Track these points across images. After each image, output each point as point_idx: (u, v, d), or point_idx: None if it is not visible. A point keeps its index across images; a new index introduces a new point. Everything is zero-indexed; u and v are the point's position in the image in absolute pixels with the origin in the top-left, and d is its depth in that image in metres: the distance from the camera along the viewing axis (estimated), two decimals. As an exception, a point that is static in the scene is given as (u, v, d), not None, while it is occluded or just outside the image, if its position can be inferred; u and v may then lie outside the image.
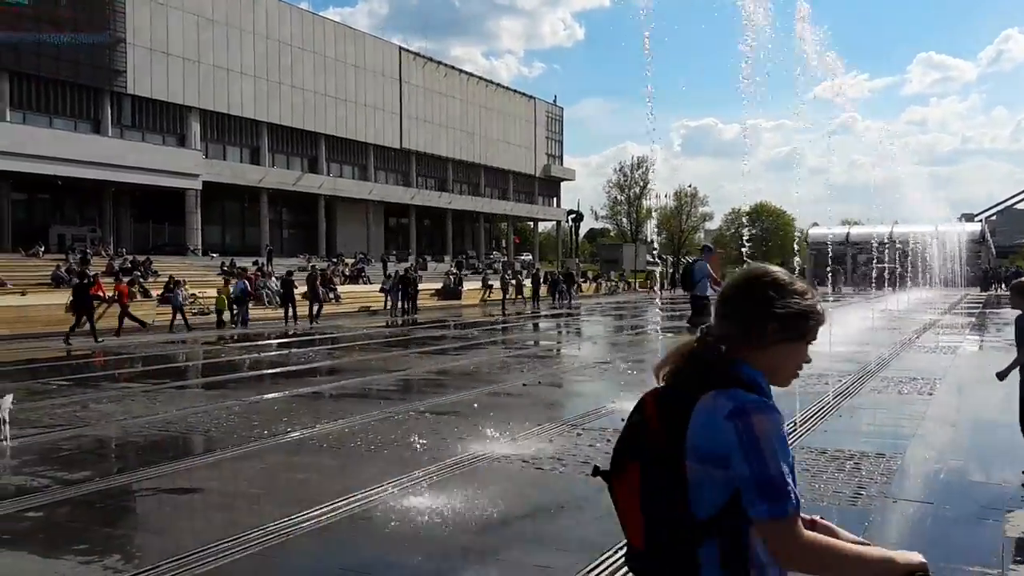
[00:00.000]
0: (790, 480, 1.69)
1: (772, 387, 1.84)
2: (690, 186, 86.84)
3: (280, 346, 20.32)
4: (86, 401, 10.93)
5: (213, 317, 26.09)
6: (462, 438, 8.12)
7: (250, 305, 27.56)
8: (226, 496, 6.51)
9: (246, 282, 27.38)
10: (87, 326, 20.06)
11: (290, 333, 24.05)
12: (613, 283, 59.53)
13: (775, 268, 1.92)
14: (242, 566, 4.74)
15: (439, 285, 42.52)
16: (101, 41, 40.24)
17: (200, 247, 44.84)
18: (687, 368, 1.88)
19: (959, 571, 4.45)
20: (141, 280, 31.60)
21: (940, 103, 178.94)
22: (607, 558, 4.74)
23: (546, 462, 7.09)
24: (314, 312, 27.73)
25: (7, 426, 8.14)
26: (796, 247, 50.45)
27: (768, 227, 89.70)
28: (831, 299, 35.25)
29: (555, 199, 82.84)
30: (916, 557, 1.75)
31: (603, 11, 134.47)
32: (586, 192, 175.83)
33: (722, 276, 26.39)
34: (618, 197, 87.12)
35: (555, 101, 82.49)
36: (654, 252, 66.12)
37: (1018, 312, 6.89)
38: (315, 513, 5.57)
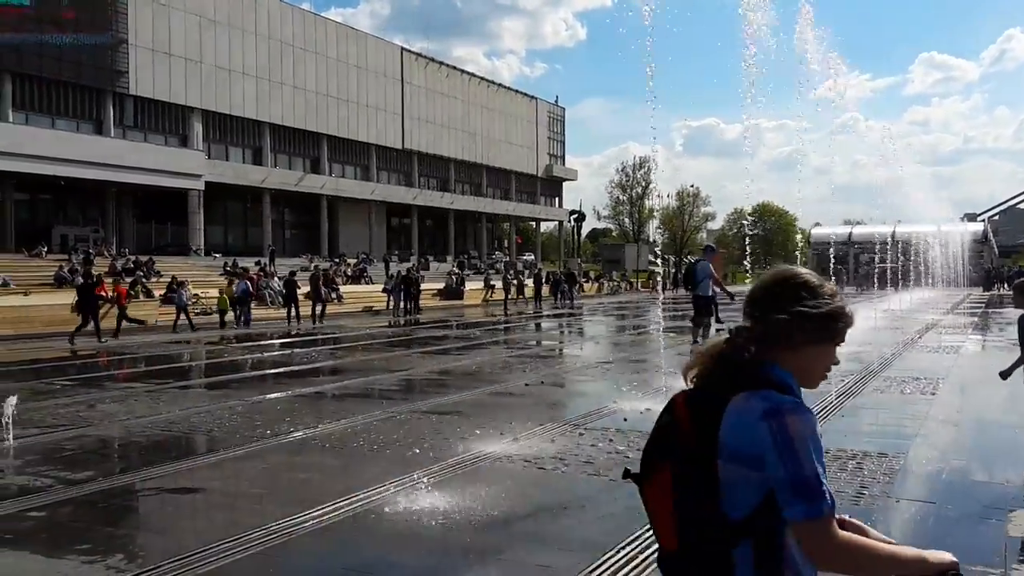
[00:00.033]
0: (825, 480, 1.69)
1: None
2: (692, 186, 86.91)
3: (283, 346, 20.34)
4: (89, 401, 10.94)
5: (215, 317, 26.10)
6: (464, 438, 8.12)
7: (253, 305, 27.59)
8: (228, 496, 6.51)
9: (248, 282, 27.41)
10: (92, 326, 20.08)
11: (293, 333, 24.08)
12: (615, 283, 59.53)
13: (804, 270, 1.92)
14: (244, 566, 4.74)
15: (441, 285, 42.57)
16: (103, 42, 40.30)
17: (202, 247, 44.89)
18: (717, 369, 1.87)
19: (962, 571, 4.44)
20: (144, 280, 31.67)
21: (942, 103, 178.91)
22: (609, 558, 4.74)
23: (548, 462, 7.08)
24: (317, 312, 27.79)
25: (10, 426, 8.15)
26: (799, 247, 50.43)
27: (770, 227, 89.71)
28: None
29: (557, 199, 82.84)
30: (947, 557, 1.77)
31: (605, 11, 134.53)
32: (588, 192, 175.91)
33: (723, 276, 26.44)
34: (620, 197, 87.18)
35: (557, 101, 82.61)
36: (656, 252, 66.08)
37: (1021, 312, 6.88)
38: (317, 513, 5.58)
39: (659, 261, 53.92)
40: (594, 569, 4.60)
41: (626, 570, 4.60)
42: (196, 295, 27.91)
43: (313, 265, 37.41)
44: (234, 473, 7.11)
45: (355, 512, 5.69)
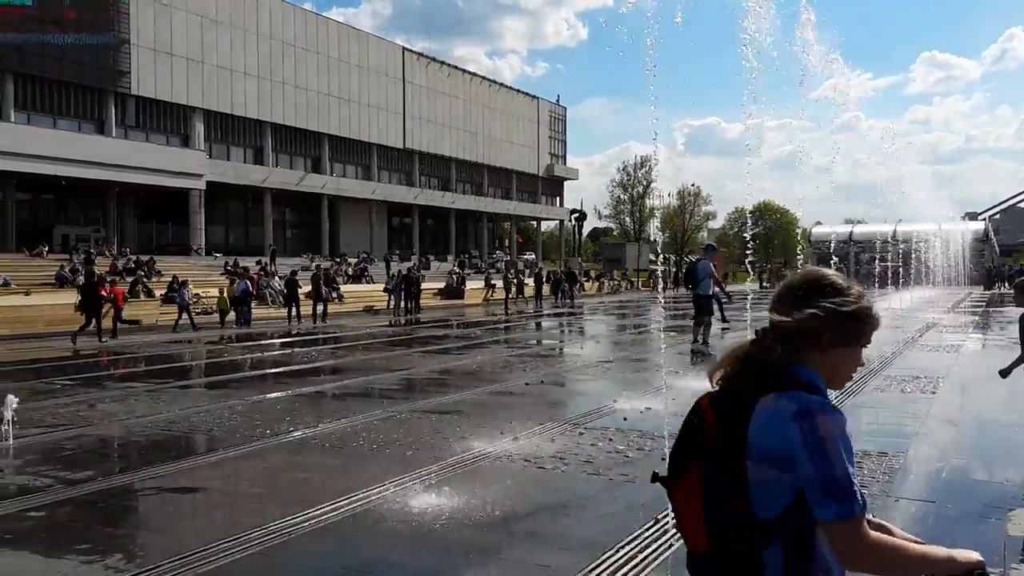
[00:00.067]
0: (856, 480, 1.70)
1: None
2: (693, 185, 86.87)
3: (283, 345, 20.36)
4: (89, 401, 10.94)
5: (216, 317, 26.12)
6: (464, 437, 8.12)
7: (253, 305, 27.60)
8: (228, 496, 6.51)
9: (248, 282, 27.39)
10: (93, 326, 20.09)
11: (293, 332, 24.09)
12: (616, 282, 59.53)
13: (832, 271, 1.93)
14: (244, 566, 4.74)
15: (442, 285, 42.57)
16: (105, 42, 40.30)
17: (203, 247, 44.90)
18: (743, 370, 1.87)
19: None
20: (145, 280, 31.68)
21: (944, 102, 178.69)
22: (609, 557, 4.74)
23: (548, 461, 7.08)
24: (319, 312, 27.83)
25: (11, 426, 8.16)
26: (799, 246, 50.39)
27: (771, 226, 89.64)
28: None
29: (558, 199, 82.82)
30: (975, 556, 1.76)
31: (606, 11, 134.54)
32: (589, 192, 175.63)
33: (724, 275, 26.46)
34: (621, 196, 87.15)
35: (558, 101, 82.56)
36: (657, 251, 66.07)
37: (1022, 310, 6.87)
38: (317, 512, 5.58)
39: (660, 260, 53.91)
40: (594, 568, 4.60)
41: (626, 569, 4.60)
42: (197, 295, 27.94)
43: (315, 265, 37.41)
44: (234, 473, 7.11)
45: (355, 512, 5.69)
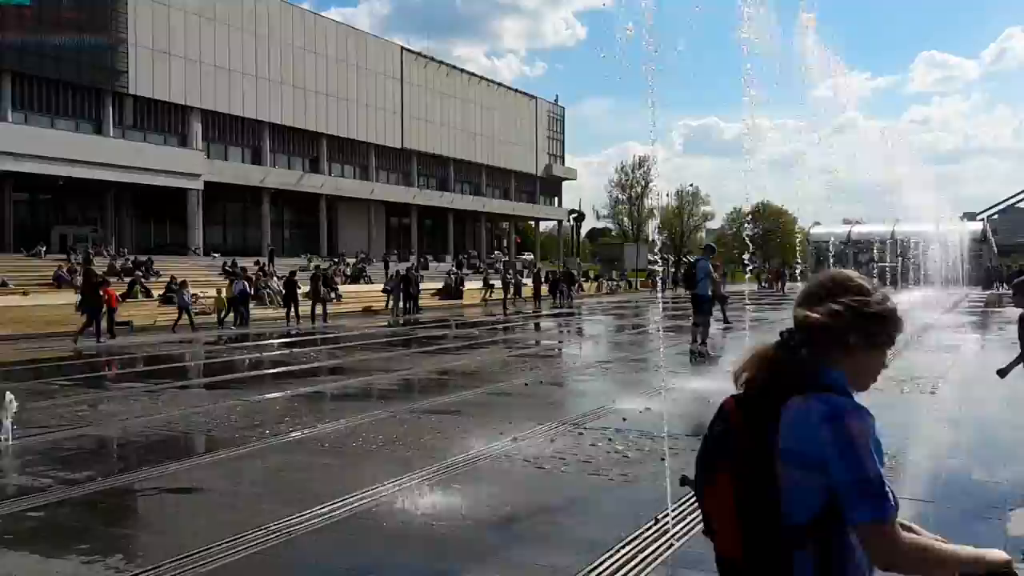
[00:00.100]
0: (887, 482, 1.71)
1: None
2: (691, 185, 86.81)
3: (282, 346, 20.35)
4: (88, 401, 10.94)
5: (214, 317, 26.09)
6: (464, 437, 8.13)
7: (252, 305, 27.58)
8: (228, 495, 6.51)
9: (245, 282, 27.35)
10: (94, 327, 20.09)
11: (292, 333, 24.09)
12: (614, 283, 59.54)
13: (857, 274, 1.94)
14: (244, 566, 4.75)
15: (440, 285, 42.55)
16: (103, 42, 40.25)
17: (201, 247, 44.87)
18: (770, 372, 1.87)
19: None
20: (143, 280, 31.67)
21: (942, 102, 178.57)
22: (609, 557, 4.75)
23: (548, 461, 7.09)
24: (318, 312, 27.83)
25: (10, 425, 8.15)
26: (797, 246, 50.42)
27: (769, 227, 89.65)
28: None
29: (557, 199, 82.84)
30: (1004, 555, 1.78)
31: (605, 11, 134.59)
32: (587, 192, 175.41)
33: (722, 275, 26.49)
34: (619, 196, 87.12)
35: (557, 101, 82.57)
36: (656, 251, 66.10)
37: (1020, 311, 6.88)
38: (317, 512, 5.58)
39: (658, 260, 53.87)
40: (594, 568, 4.61)
41: (625, 569, 4.61)
42: (195, 295, 27.93)
43: (314, 265, 37.41)
44: (234, 473, 7.11)
45: (355, 512, 5.70)
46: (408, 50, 62.81)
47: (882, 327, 1.86)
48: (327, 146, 55.49)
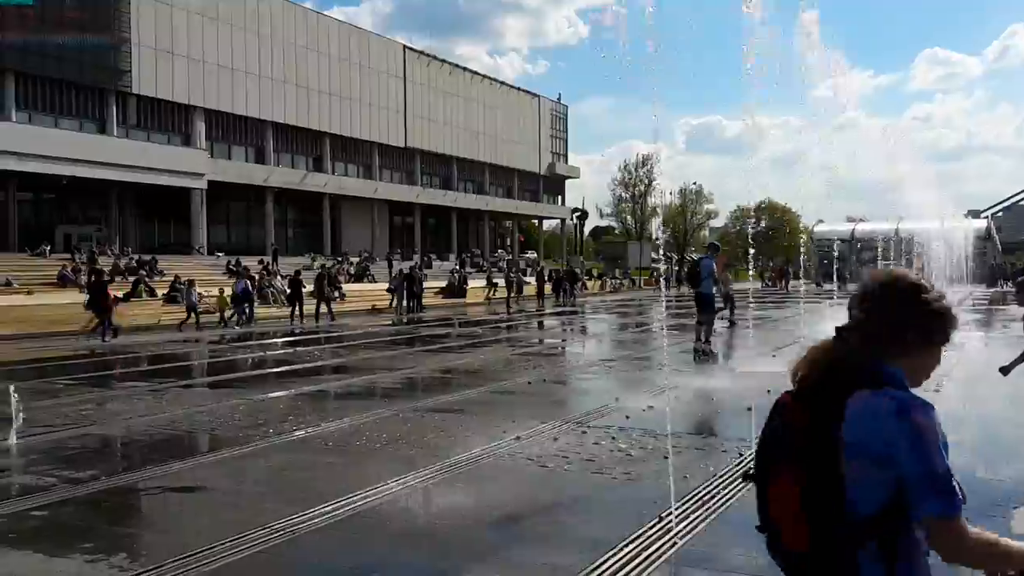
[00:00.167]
0: (954, 476, 1.72)
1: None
2: (694, 183, 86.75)
3: (286, 345, 20.37)
4: (92, 400, 10.96)
5: (217, 316, 26.12)
6: (467, 436, 8.13)
7: (256, 304, 27.60)
8: (231, 495, 6.52)
9: (247, 281, 27.37)
10: (97, 325, 20.14)
11: (296, 332, 24.11)
12: (618, 281, 59.51)
13: (912, 273, 1.96)
14: (247, 564, 4.75)
15: (444, 284, 42.57)
16: (106, 41, 40.30)
17: (205, 246, 44.92)
18: (830, 368, 1.89)
19: (964, 569, 4.44)
20: (147, 279, 31.71)
21: (945, 99, 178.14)
22: (612, 555, 4.74)
23: (551, 460, 7.09)
24: (323, 311, 27.86)
25: (14, 425, 8.17)
26: (802, 244, 50.36)
27: (772, 225, 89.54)
28: (838, 296, 35.21)
29: (560, 197, 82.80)
30: None
31: (608, 9, 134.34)
32: (590, 190, 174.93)
33: (725, 271, 26.48)
34: (623, 195, 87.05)
35: (559, 99, 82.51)
36: (659, 250, 66.05)
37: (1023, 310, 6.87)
38: (321, 511, 5.59)
39: (661, 258, 53.84)
40: (598, 567, 4.61)
41: (629, 568, 4.60)
42: (200, 294, 27.98)
43: (319, 264, 37.43)
44: (237, 472, 7.12)
45: (358, 511, 5.70)
46: (411, 49, 62.81)
47: (940, 325, 1.89)
48: (330, 145, 55.53)
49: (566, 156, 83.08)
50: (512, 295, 38.28)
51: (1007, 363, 9.92)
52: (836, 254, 43.56)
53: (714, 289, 16.20)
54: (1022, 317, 7.05)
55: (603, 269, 68.84)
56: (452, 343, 20.05)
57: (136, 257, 36.14)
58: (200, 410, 10.01)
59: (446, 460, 7.04)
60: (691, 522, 5.30)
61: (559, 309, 35.33)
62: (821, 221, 63.36)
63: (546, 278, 42.21)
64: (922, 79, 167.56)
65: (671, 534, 5.08)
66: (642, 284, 59.86)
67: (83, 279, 28.02)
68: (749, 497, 6.32)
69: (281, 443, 7.98)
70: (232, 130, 49.47)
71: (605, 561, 4.66)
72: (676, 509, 5.40)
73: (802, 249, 50.19)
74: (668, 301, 34.70)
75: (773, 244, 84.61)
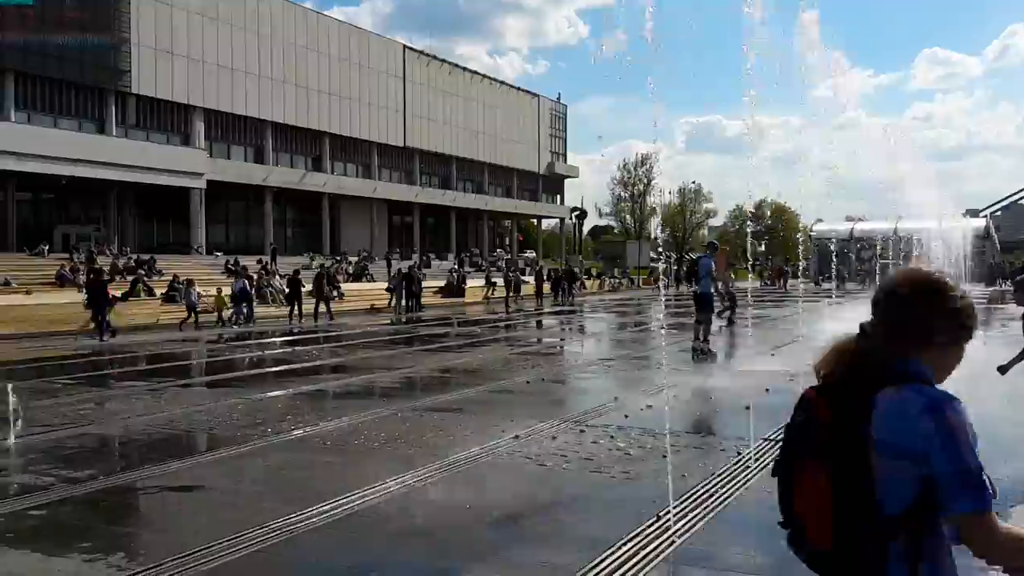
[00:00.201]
0: (985, 472, 1.72)
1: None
2: (693, 182, 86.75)
3: (284, 344, 20.36)
4: (91, 399, 10.96)
5: (215, 316, 26.10)
6: (466, 435, 8.13)
7: (255, 304, 27.58)
8: (230, 494, 6.52)
9: (245, 281, 27.34)
10: (96, 325, 20.12)
11: (295, 331, 24.10)
12: (616, 280, 59.53)
13: (938, 271, 1.97)
14: (245, 564, 4.75)
15: (443, 283, 42.55)
16: (105, 41, 40.28)
17: (204, 246, 44.91)
18: (856, 365, 1.89)
19: (963, 568, 4.44)
20: (145, 279, 31.70)
21: (945, 99, 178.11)
22: (611, 554, 4.74)
23: (549, 459, 7.09)
24: (322, 311, 27.85)
25: (13, 424, 8.17)
26: (800, 243, 50.38)
27: (772, 224, 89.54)
28: (837, 295, 35.24)
29: (559, 196, 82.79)
30: None
31: (608, 9, 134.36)
32: (589, 189, 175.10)
33: (728, 270, 26.51)
34: (622, 194, 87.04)
35: (559, 99, 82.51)
36: (658, 249, 66.06)
37: (1023, 309, 6.87)
38: (319, 510, 5.59)
39: (661, 258, 53.85)
40: (596, 565, 4.61)
41: (627, 567, 4.61)
42: (199, 293, 27.96)
43: (318, 264, 37.40)
44: (235, 471, 7.12)
45: (356, 510, 5.70)
46: (410, 48, 62.80)
47: (965, 323, 1.89)
48: (329, 145, 55.52)
49: (565, 155, 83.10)
50: (511, 294, 38.28)
51: (1005, 362, 9.92)
52: (834, 253, 43.54)
53: (712, 288, 16.19)
54: (1021, 316, 7.05)
55: (602, 268, 68.85)
56: (451, 342, 20.05)
57: (135, 257, 36.13)
58: (198, 409, 10.01)
59: (445, 459, 7.04)
60: (689, 521, 5.30)
61: (558, 308, 35.32)
62: (820, 220, 63.39)
63: (545, 277, 42.21)
64: (922, 78, 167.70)
65: (669, 533, 5.08)
66: (641, 283, 59.88)
67: (82, 279, 28.01)
68: (747, 496, 6.35)
69: (279, 442, 7.98)
70: (231, 130, 49.46)
71: (603, 560, 4.66)
72: (674, 508, 5.40)
73: (800, 248, 50.19)
74: (667, 300, 34.68)
75: (772, 243, 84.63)
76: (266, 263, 38.42)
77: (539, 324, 28.19)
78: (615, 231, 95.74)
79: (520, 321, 28.36)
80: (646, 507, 5.53)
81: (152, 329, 23.93)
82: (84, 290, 22.99)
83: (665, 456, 6.48)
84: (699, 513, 5.48)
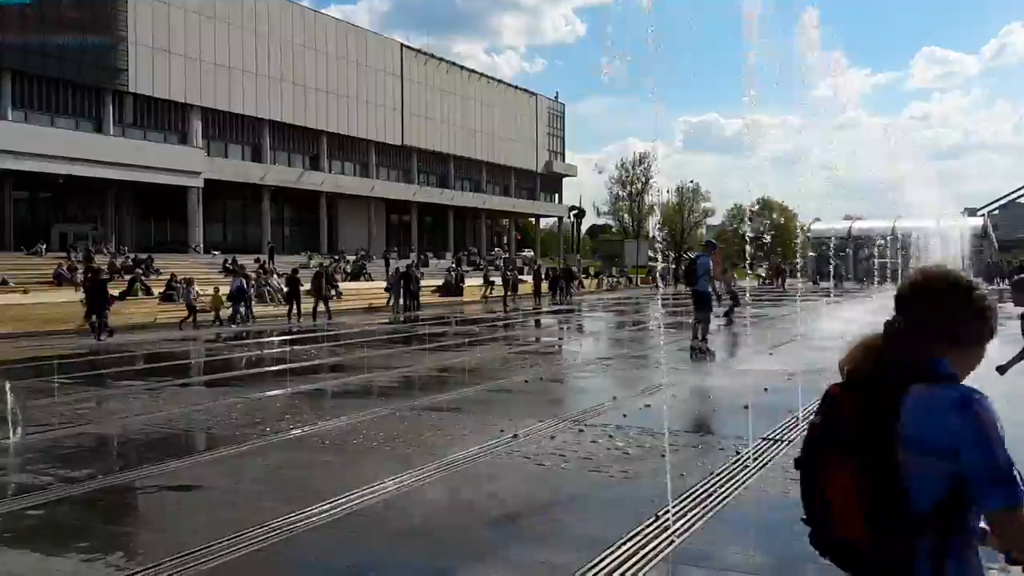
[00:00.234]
0: (1015, 468, 1.72)
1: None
2: (691, 182, 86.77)
3: (283, 343, 20.34)
4: (89, 398, 10.94)
5: (212, 315, 26.08)
6: (464, 434, 8.12)
7: (254, 303, 27.56)
8: (229, 493, 6.51)
9: (243, 280, 27.32)
10: (90, 324, 20.10)
11: (294, 330, 24.08)
12: (615, 279, 59.55)
13: (956, 269, 2.01)
14: (244, 563, 4.74)
15: (440, 282, 42.53)
16: (103, 40, 40.21)
17: (202, 245, 44.86)
18: (882, 363, 1.90)
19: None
20: (143, 278, 31.67)
21: (943, 98, 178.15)
22: (610, 553, 4.74)
23: (548, 458, 7.09)
24: (321, 310, 27.84)
25: (11, 424, 8.15)
26: (798, 242, 50.37)
27: (770, 223, 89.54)
28: (835, 294, 35.24)
29: (557, 195, 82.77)
30: None
31: (605, 7, 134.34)
32: (588, 188, 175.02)
33: (730, 270, 26.49)
34: (620, 193, 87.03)
35: (557, 97, 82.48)
36: (656, 248, 66.08)
37: (1021, 309, 6.86)
38: (318, 510, 5.58)
39: (659, 257, 53.90)
40: (595, 565, 4.61)
41: (626, 566, 4.60)
42: (196, 293, 27.94)
43: (317, 263, 37.37)
44: (234, 470, 7.11)
45: (355, 509, 5.69)
46: (408, 47, 62.76)
47: (988, 322, 1.93)
48: (327, 143, 55.47)
49: (563, 154, 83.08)
50: (509, 293, 38.28)
51: (1004, 362, 9.92)
52: (832, 252, 43.59)
53: (710, 288, 16.19)
54: (1019, 316, 7.06)
55: (600, 267, 68.87)
56: (449, 341, 20.05)
57: (132, 256, 36.09)
58: (197, 409, 10.00)
59: (443, 459, 7.04)
60: (688, 520, 5.30)
61: (556, 307, 35.33)
62: (818, 219, 63.44)
63: (543, 276, 42.21)
64: (920, 78, 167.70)
65: (668, 532, 5.08)
66: (639, 282, 59.91)
67: (79, 277, 27.97)
68: (746, 496, 6.35)
69: (278, 442, 7.97)
70: (229, 128, 49.39)
71: (602, 559, 4.66)
72: (673, 507, 5.40)
73: (798, 247, 50.17)
74: (665, 299, 34.69)
75: (771, 242, 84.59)
76: (264, 262, 38.41)
77: (537, 323, 28.20)
78: (613, 230, 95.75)
79: (518, 320, 28.36)
80: (645, 506, 5.53)
81: (150, 328, 23.90)
82: (82, 290, 22.95)
83: (664, 455, 6.48)
84: (698, 512, 5.48)
